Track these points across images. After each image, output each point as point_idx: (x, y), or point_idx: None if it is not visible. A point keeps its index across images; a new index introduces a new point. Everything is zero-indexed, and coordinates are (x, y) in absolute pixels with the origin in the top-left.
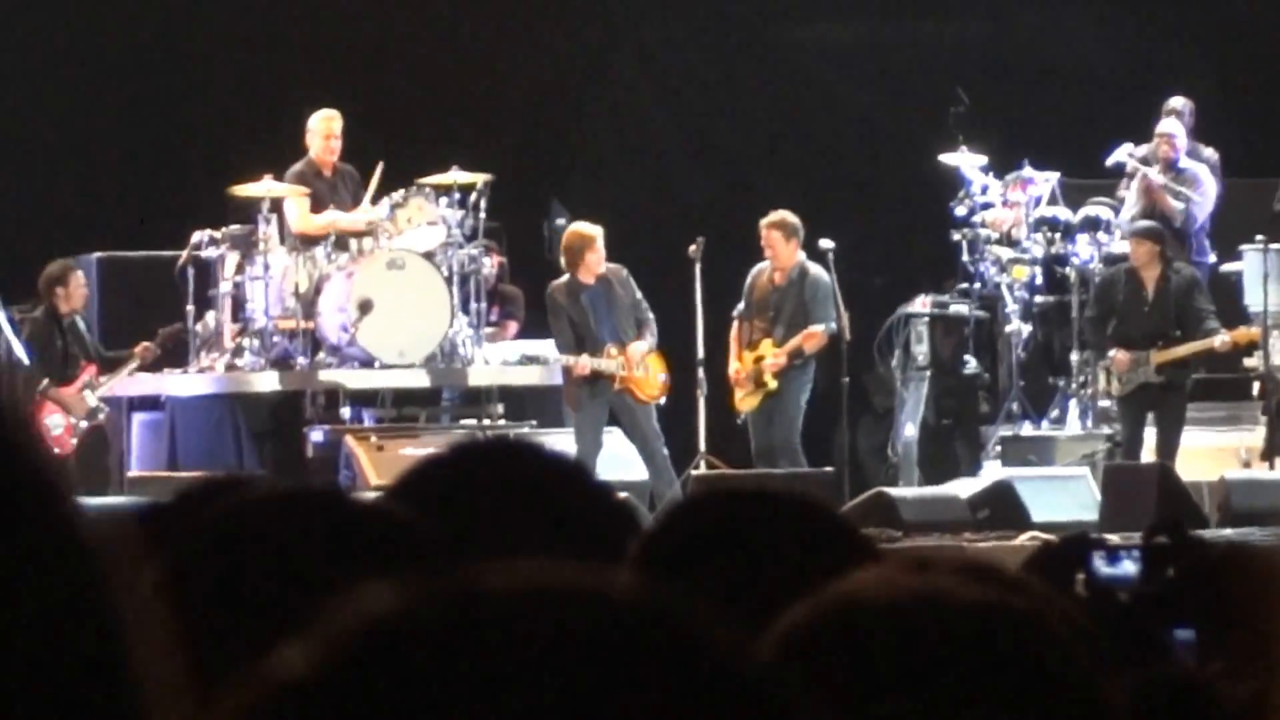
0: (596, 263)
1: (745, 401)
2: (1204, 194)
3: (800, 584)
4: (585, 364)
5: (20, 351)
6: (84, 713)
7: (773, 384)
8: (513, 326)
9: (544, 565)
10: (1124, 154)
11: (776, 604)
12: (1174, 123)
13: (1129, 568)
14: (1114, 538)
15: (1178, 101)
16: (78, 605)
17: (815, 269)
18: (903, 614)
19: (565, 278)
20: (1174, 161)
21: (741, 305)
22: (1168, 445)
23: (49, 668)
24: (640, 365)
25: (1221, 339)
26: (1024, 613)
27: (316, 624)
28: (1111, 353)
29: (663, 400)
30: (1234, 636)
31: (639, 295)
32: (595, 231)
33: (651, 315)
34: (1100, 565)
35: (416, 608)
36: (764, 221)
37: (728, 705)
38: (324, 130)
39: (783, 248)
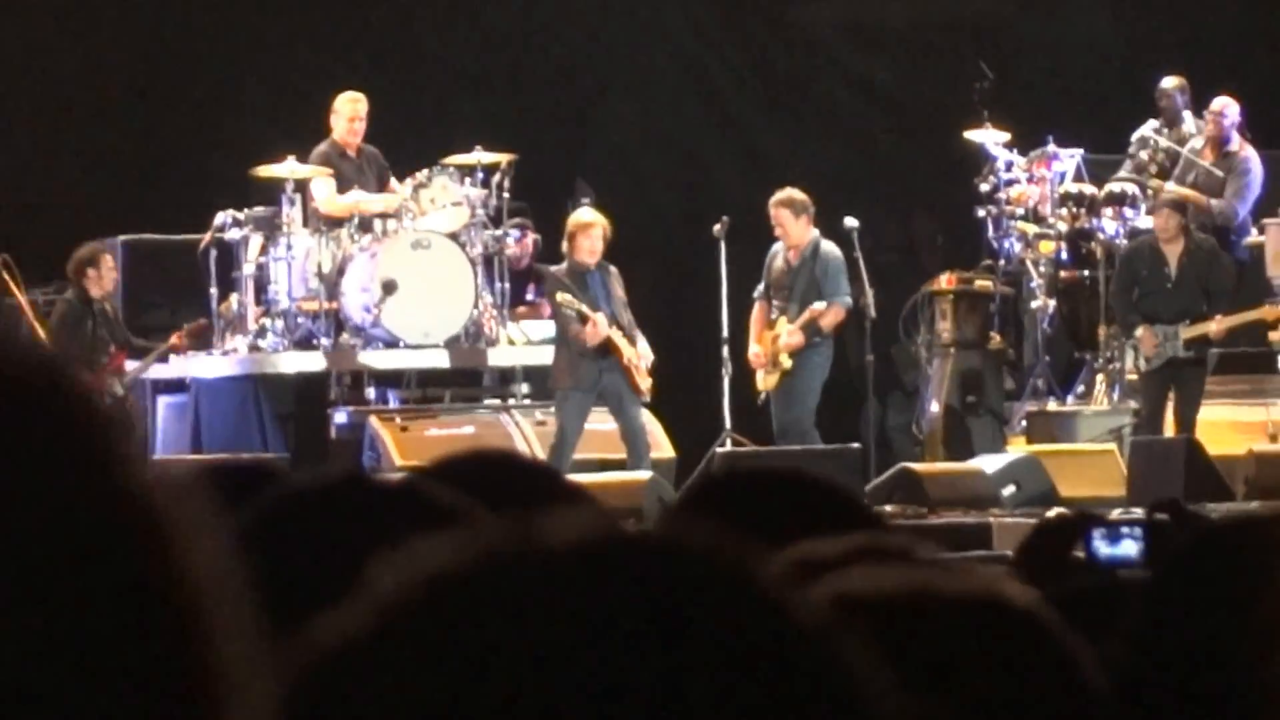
0: (593, 249)
1: (766, 381)
2: (1252, 180)
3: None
4: (603, 328)
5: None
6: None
7: (788, 363)
8: (547, 306)
9: (599, 520)
10: (1149, 130)
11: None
12: (1224, 99)
13: (1130, 547)
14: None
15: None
16: (148, 566)
17: (827, 245)
18: (895, 607)
19: (565, 263)
20: (1225, 141)
21: (761, 286)
22: (1187, 419)
23: (117, 643)
24: (641, 360)
25: (1215, 326)
26: (1018, 606)
27: (363, 585)
28: (1138, 331)
29: (647, 398)
30: (1244, 613)
31: (625, 299)
32: (595, 219)
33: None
34: (1101, 544)
35: (479, 559)
36: (772, 200)
37: (796, 653)
38: (349, 112)
39: (792, 225)
